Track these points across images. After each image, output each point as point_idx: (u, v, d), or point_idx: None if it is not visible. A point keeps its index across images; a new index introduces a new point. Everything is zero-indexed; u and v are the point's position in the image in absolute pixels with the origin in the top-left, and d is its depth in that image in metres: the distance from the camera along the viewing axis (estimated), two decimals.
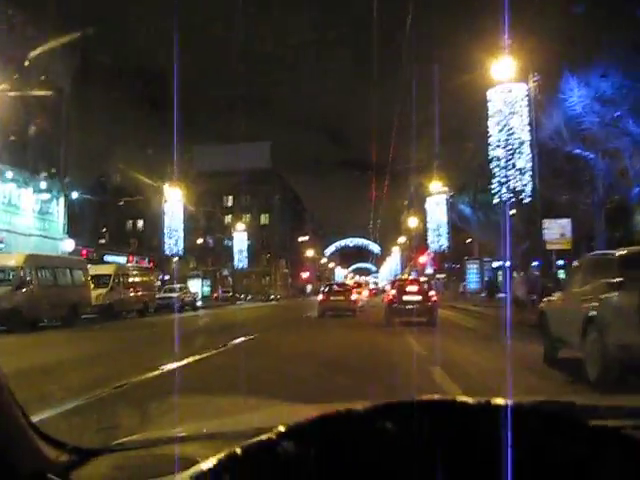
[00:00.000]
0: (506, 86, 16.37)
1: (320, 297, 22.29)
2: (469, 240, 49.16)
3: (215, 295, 58.93)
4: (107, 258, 45.91)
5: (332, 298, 21.72)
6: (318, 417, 0.81)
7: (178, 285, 34.53)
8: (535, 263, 21.62)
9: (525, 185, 16.42)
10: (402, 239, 70.89)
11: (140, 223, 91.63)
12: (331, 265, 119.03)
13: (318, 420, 0.81)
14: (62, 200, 36.76)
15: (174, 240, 37.08)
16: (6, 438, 0.94)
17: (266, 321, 22.18)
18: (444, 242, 34.48)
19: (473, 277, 28.26)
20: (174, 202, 37.05)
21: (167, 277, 59.01)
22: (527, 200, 16.95)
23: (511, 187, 16.25)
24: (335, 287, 23.75)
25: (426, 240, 60.48)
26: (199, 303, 48.91)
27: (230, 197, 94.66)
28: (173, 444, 1.36)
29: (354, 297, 22.29)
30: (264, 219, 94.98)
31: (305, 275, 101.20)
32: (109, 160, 49.83)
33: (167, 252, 37.47)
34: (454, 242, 36.49)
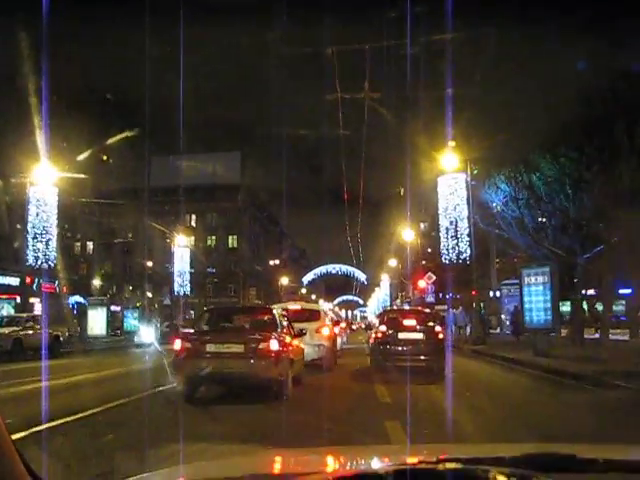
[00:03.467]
0: None
1: (178, 344, 8.58)
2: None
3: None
4: None
5: (211, 349, 8.34)
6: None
7: (24, 315, 21.09)
8: None
9: None
10: (393, 262, 57.67)
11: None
12: (313, 297, 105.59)
13: None
14: None
15: (43, 244, 23.75)
16: None
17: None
18: (464, 248, 21.62)
19: (538, 301, 14.93)
20: (43, 189, 23.83)
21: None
22: None
23: None
24: (227, 314, 10.59)
25: (425, 258, 47.66)
26: (124, 341, 35.34)
27: (193, 216, 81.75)
28: None
29: (275, 346, 8.29)
30: (232, 241, 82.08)
31: None
32: None
33: (31, 261, 24.08)
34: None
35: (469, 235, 21.45)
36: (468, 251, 21.57)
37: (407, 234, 39.23)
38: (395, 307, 46.60)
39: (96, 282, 63.58)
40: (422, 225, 49.70)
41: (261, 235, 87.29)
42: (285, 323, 9.51)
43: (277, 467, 2.00)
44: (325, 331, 13.49)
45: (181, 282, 42.44)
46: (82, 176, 26.50)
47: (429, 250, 47.86)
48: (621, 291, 34.38)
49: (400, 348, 12.83)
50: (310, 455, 2.38)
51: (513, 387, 10.78)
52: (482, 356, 17.50)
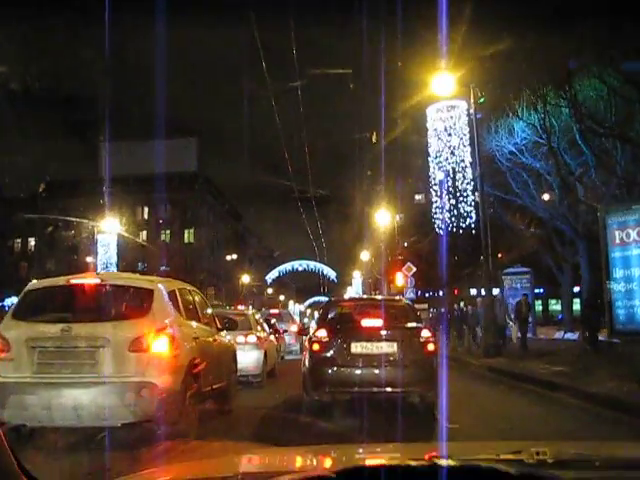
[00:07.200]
0: None
1: None
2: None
3: None
4: None
5: None
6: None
7: None
8: None
9: None
10: (365, 255, 50.85)
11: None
12: (282, 298, 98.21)
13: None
14: None
15: None
16: None
17: None
18: (468, 210, 14.72)
19: None
20: None
21: None
22: None
23: None
24: None
25: (401, 253, 40.78)
26: None
27: (145, 208, 73.98)
28: None
29: None
30: (188, 236, 74.38)
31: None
32: None
33: None
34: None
35: (474, 191, 14.57)
36: (474, 215, 14.68)
37: (381, 216, 32.23)
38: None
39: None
40: (398, 217, 43.35)
41: (221, 229, 79.79)
42: None
43: (263, 466, 1.97)
44: (160, 346, 5.31)
45: None
46: None
47: (405, 244, 41.67)
48: (577, 289, 26.45)
49: (354, 372, 7.35)
50: (309, 452, 2.30)
51: None
52: (508, 379, 10.49)
